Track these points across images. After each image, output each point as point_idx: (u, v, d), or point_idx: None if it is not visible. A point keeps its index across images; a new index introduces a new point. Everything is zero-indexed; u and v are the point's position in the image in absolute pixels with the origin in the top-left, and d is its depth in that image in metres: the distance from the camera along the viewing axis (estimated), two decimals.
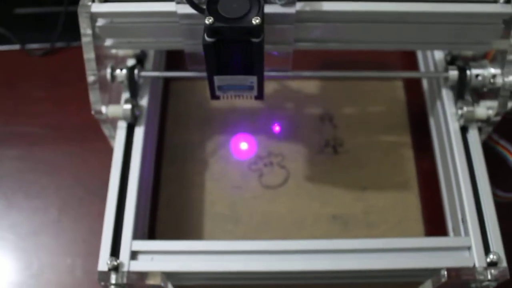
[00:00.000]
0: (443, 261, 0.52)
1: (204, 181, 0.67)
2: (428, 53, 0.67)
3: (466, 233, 0.54)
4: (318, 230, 0.64)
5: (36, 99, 0.74)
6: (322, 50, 0.57)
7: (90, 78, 0.55)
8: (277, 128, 0.70)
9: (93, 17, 0.53)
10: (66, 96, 0.74)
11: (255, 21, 0.44)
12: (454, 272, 0.51)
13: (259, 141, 0.69)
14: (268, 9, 0.48)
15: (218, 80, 0.49)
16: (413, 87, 0.73)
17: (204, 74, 0.49)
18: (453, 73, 0.60)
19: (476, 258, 0.52)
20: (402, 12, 0.52)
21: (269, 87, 0.72)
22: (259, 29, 0.45)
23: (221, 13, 0.45)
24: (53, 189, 0.68)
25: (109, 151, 0.61)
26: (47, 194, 0.67)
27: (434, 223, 0.64)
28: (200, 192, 0.66)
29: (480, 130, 0.60)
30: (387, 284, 0.58)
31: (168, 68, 0.70)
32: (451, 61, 0.62)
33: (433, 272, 0.53)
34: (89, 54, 0.54)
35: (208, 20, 0.44)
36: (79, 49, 0.69)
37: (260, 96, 0.52)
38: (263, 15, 0.45)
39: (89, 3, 0.53)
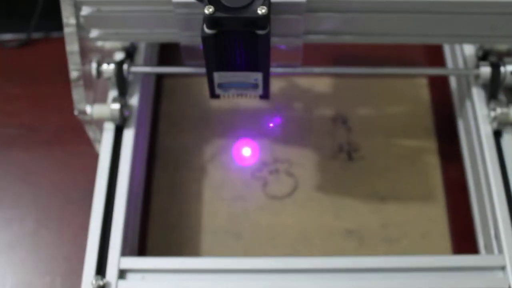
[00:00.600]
0: (474, 282, 0.53)
1: (201, 190, 0.67)
2: (457, 47, 0.68)
3: (500, 250, 0.55)
4: (330, 247, 0.64)
5: (10, 96, 0.75)
6: (335, 44, 0.58)
7: (73, 74, 0.56)
8: (279, 134, 0.71)
9: (77, 4, 0.54)
10: (45, 93, 0.75)
11: (261, 10, 0.45)
12: None
13: (264, 146, 0.70)
14: None
15: (218, 77, 0.50)
16: (439, 86, 0.73)
17: (202, 70, 0.50)
18: (485, 70, 0.60)
19: (511, 279, 0.52)
20: (428, 1, 0.52)
21: (276, 85, 0.73)
22: (265, 19, 0.45)
23: (222, 2, 0.45)
24: (30, 198, 0.68)
25: (94, 155, 0.62)
26: (23, 203, 0.68)
27: (463, 239, 0.64)
28: (197, 203, 0.66)
29: None
30: None
31: (161, 63, 0.71)
32: (483, 56, 0.63)
33: None
34: (72, 47, 0.55)
35: (208, 10, 0.45)
36: (60, 40, 0.69)
37: (265, 95, 0.53)
38: (269, 4, 0.46)
39: None
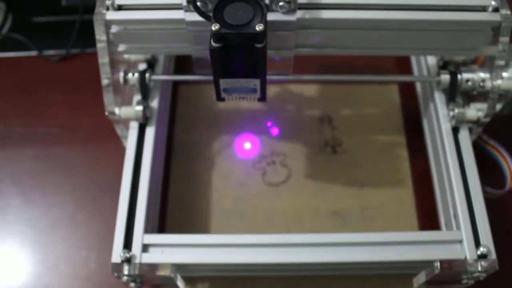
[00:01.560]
0: (436, 253, 0.52)
1: (211, 179, 0.67)
2: (422, 58, 0.67)
3: (458, 227, 0.54)
4: (318, 225, 0.64)
5: (52, 102, 0.75)
6: (321, 55, 0.57)
7: (104, 81, 0.56)
8: (275, 131, 0.70)
9: (108, 24, 0.54)
10: (81, 100, 0.74)
11: (259, 27, 0.45)
12: (446, 264, 0.51)
13: (263, 141, 0.69)
14: (271, 16, 0.49)
15: (223, 83, 0.50)
16: (407, 90, 0.73)
17: (210, 77, 0.50)
18: (445, 77, 0.60)
19: (467, 251, 0.52)
20: (398, 20, 0.52)
21: (272, 90, 0.73)
22: (262, 35, 0.45)
23: (226, 20, 0.45)
24: (68, 187, 0.68)
25: (121, 151, 0.61)
26: (63, 191, 0.68)
27: (428, 218, 0.64)
28: (207, 189, 0.66)
29: (470, 130, 0.60)
30: (383, 276, 0.59)
31: (177, 72, 0.71)
32: (443, 65, 0.62)
33: (426, 264, 0.53)
34: (103, 59, 0.55)
35: (215, 27, 0.45)
36: (93, 55, 0.69)
37: (263, 98, 0.52)
38: (266, 22, 0.46)
39: (104, 11, 0.53)
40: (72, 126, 0.72)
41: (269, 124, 0.71)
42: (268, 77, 0.50)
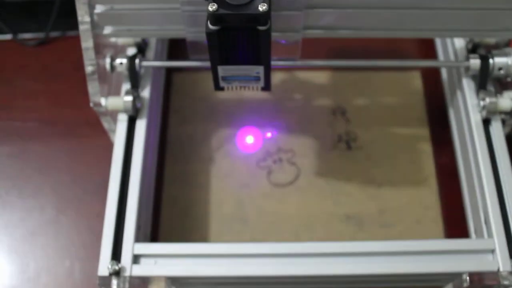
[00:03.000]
0: (465, 265, 0.52)
1: (209, 179, 0.67)
2: (448, 40, 0.67)
3: (490, 234, 0.54)
4: (330, 231, 0.64)
5: (29, 92, 0.75)
6: (333, 38, 0.57)
7: (89, 68, 0.56)
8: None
9: (91, 3, 0.54)
10: (61, 89, 0.75)
11: (262, 7, 0.44)
12: (476, 277, 0.51)
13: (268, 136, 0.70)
14: None
15: (222, 70, 0.50)
16: (431, 77, 0.73)
17: (207, 64, 0.50)
18: (475, 62, 0.60)
19: (500, 262, 0.52)
20: None
21: (277, 77, 0.73)
22: (266, 16, 0.45)
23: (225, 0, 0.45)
24: (49, 188, 0.68)
25: (108, 147, 0.61)
26: (43, 193, 0.68)
27: (455, 223, 0.64)
28: (205, 191, 0.66)
29: (504, 122, 0.60)
30: None
31: (171, 58, 0.71)
32: (473, 49, 0.62)
33: (454, 277, 0.53)
34: (87, 43, 0.55)
35: (212, 7, 0.44)
36: (75, 38, 0.68)
37: (267, 87, 0.52)
38: (270, 1, 0.45)
39: None
40: (52, 120, 0.73)
41: (274, 116, 0.71)
42: (273, 63, 0.50)
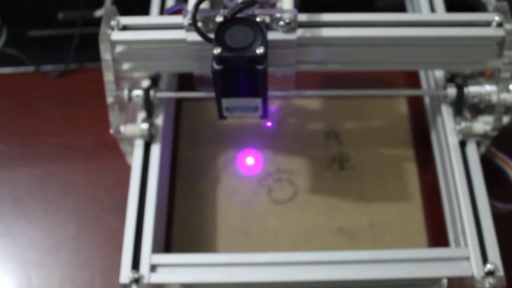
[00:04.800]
0: (444, 271, 0.56)
1: (216, 197, 0.71)
2: (429, 71, 0.72)
3: (466, 244, 0.58)
4: (325, 243, 0.68)
5: (51, 119, 0.79)
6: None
7: (110, 100, 0.60)
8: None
9: (113, 44, 0.59)
10: (81, 116, 0.79)
11: (259, 50, 0.50)
12: (454, 281, 0.56)
13: (268, 157, 0.74)
14: (271, 36, 0.54)
15: (225, 102, 0.55)
16: (416, 103, 0.77)
17: (212, 94, 0.54)
18: (452, 91, 0.64)
19: (474, 268, 0.56)
20: (400, 37, 0.57)
21: (275, 104, 0.77)
22: (262, 57, 0.50)
23: (228, 43, 0.51)
24: (71, 207, 0.73)
25: (124, 169, 0.66)
26: (65, 212, 0.72)
27: (437, 235, 0.68)
28: (213, 207, 0.70)
29: (478, 144, 0.64)
30: None
31: (180, 88, 0.75)
32: (451, 78, 0.66)
33: (434, 282, 0.57)
34: (109, 77, 0.60)
35: (217, 50, 0.50)
36: (92, 70, 0.74)
37: (265, 115, 0.57)
38: (266, 44, 0.51)
39: (109, 32, 0.59)
40: (73, 144, 0.77)
41: (274, 139, 0.75)
42: (270, 93, 0.55)
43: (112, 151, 0.70)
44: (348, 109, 0.77)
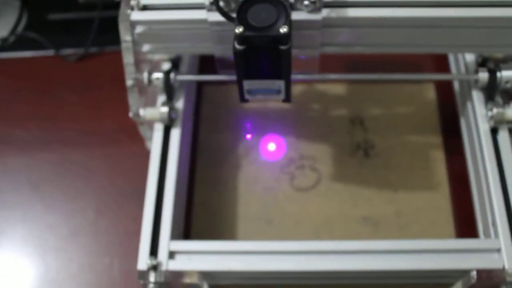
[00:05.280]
0: (473, 262, 0.55)
1: (237, 184, 0.70)
2: (459, 54, 0.70)
3: (496, 235, 0.57)
4: (349, 232, 0.67)
5: (70, 104, 0.79)
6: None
7: (129, 82, 0.60)
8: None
9: (133, 24, 0.58)
10: (100, 101, 0.79)
11: (283, 29, 0.48)
12: (484, 274, 0.54)
13: (290, 144, 0.73)
14: (295, 15, 0.52)
15: (247, 84, 0.53)
16: (444, 88, 0.75)
17: (234, 77, 0.53)
18: (483, 75, 0.62)
19: (506, 260, 0.55)
20: (430, 17, 0.55)
21: (298, 89, 0.76)
22: (286, 37, 0.49)
23: (250, 22, 0.49)
24: (89, 192, 0.72)
25: (143, 154, 0.65)
26: (84, 197, 0.72)
27: (465, 225, 0.66)
28: (233, 194, 0.70)
29: (511, 131, 0.62)
30: (417, 285, 0.61)
31: (202, 72, 0.74)
32: (482, 62, 0.64)
33: (463, 274, 0.56)
34: (128, 59, 0.59)
35: (239, 29, 0.49)
36: (112, 54, 0.73)
37: (287, 99, 0.56)
38: (290, 23, 0.49)
39: (129, 12, 0.57)
40: (92, 129, 0.77)
41: (297, 125, 0.74)
42: (293, 77, 0.54)
43: (131, 136, 0.70)
44: (373, 95, 0.76)
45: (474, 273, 0.54)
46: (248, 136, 0.73)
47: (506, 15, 0.56)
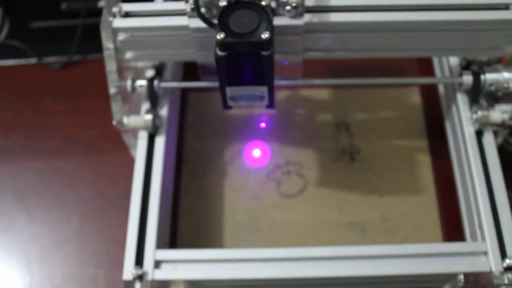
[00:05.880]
0: (460, 266, 0.55)
1: (223, 191, 0.70)
2: (443, 58, 0.70)
3: (483, 238, 0.57)
4: (336, 237, 0.67)
5: (54, 112, 0.78)
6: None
7: (112, 90, 0.59)
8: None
9: (115, 31, 0.57)
10: (84, 109, 0.78)
11: (265, 35, 0.48)
12: (471, 277, 0.54)
13: (276, 150, 0.72)
14: (277, 21, 0.52)
15: (230, 91, 0.53)
16: (429, 92, 0.75)
17: (217, 84, 0.53)
18: (468, 78, 0.62)
19: (492, 263, 0.55)
20: (413, 21, 0.55)
21: (283, 95, 0.75)
22: (268, 42, 0.48)
23: (232, 28, 0.49)
24: (74, 201, 0.71)
25: (128, 162, 0.65)
26: (68, 206, 0.71)
27: (452, 228, 0.66)
28: (219, 202, 0.69)
29: (496, 133, 0.62)
30: None
31: (186, 79, 0.73)
32: (466, 65, 0.64)
33: (450, 277, 0.56)
34: (111, 67, 0.58)
35: (220, 36, 0.48)
36: (96, 62, 0.72)
37: (271, 105, 0.55)
38: (272, 29, 0.49)
39: (111, 19, 0.57)
40: (76, 137, 0.76)
41: (282, 131, 0.73)
42: (277, 82, 0.54)
43: (116, 145, 0.69)
44: (358, 100, 0.76)
45: (461, 277, 0.54)
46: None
47: (489, 18, 0.56)
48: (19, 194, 0.72)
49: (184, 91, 0.76)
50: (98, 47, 0.59)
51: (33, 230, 0.70)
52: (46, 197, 0.72)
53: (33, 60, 0.83)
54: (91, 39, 0.78)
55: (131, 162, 0.63)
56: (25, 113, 0.78)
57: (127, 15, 0.58)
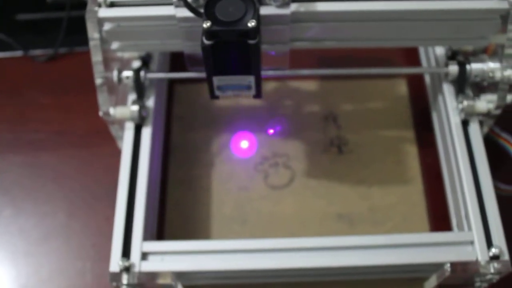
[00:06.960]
0: (447, 255, 0.55)
1: (210, 183, 0.69)
2: (430, 48, 0.70)
3: (469, 228, 0.57)
4: (324, 229, 0.66)
5: (40, 105, 0.78)
6: (320, 48, 0.60)
7: (98, 81, 0.58)
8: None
9: (100, 21, 0.57)
10: (71, 102, 0.77)
11: (251, 23, 0.48)
12: (458, 266, 0.54)
13: (263, 141, 0.72)
14: (264, 10, 0.52)
15: (217, 80, 0.53)
16: (416, 83, 0.75)
17: (204, 74, 0.53)
18: (453, 68, 0.62)
19: (479, 252, 0.55)
20: (399, 10, 0.55)
21: (271, 86, 0.75)
22: (255, 31, 0.48)
23: (218, 17, 0.48)
24: (61, 194, 0.71)
25: (115, 155, 0.64)
26: (55, 200, 0.71)
27: (439, 219, 0.66)
28: (207, 194, 0.69)
29: (481, 123, 0.62)
30: (392, 280, 0.61)
31: (173, 70, 0.73)
32: (452, 56, 0.64)
33: (437, 267, 0.56)
34: (96, 57, 0.58)
35: (206, 24, 0.48)
36: (82, 54, 0.71)
37: (258, 95, 0.55)
38: (258, 18, 0.49)
39: (96, 8, 0.56)
40: (62, 130, 0.75)
41: (270, 123, 0.73)
42: (264, 73, 0.53)
43: (103, 138, 0.68)
44: (345, 91, 0.75)
45: (448, 266, 0.54)
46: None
47: (475, 7, 0.55)
48: (5, 187, 0.72)
49: (171, 83, 0.76)
50: (84, 40, 0.58)
51: (20, 223, 0.69)
52: (32, 191, 0.71)
53: (19, 53, 0.82)
54: (77, 31, 0.76)
55: (118, 155, 0.62)
56: (11, 107, 0.78)
57: (112, 4, 0.57)
